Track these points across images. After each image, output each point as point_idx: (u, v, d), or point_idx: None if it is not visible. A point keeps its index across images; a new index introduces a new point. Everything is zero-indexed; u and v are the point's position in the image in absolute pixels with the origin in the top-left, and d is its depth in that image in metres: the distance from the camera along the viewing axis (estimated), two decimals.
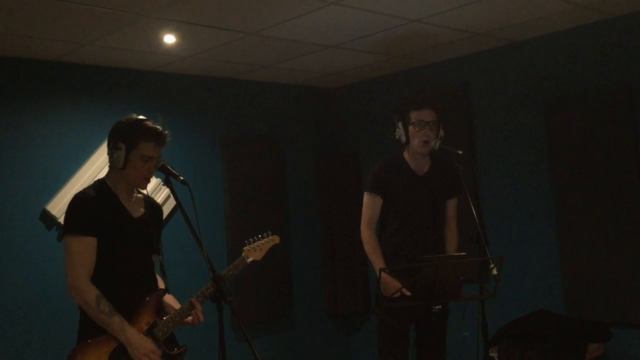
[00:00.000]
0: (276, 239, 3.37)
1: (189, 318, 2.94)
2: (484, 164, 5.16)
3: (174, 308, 2.98)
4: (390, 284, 3.65)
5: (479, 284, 3.51)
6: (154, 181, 4.92)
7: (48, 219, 4.54)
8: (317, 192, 6.16)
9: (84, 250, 2.83)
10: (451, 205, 4.06)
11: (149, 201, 3.12)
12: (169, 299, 3.05)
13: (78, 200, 2.89)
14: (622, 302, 4.39)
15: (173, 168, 2.91)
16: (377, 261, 3.86)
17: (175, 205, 4.08)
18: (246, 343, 2.57)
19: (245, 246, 3.26)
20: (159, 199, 4.89)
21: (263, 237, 3.33)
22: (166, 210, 4.97)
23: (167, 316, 2.94)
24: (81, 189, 3.00)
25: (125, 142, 2.88)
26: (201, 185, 5.14)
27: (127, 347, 2.79)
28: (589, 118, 4.56)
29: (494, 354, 4.36)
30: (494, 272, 3.34)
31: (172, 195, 2.87)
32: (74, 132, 4.71)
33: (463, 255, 3.51)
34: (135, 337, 2.79)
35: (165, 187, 2.91)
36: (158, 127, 2.95)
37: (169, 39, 4.36)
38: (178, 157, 4.94)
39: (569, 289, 4.66)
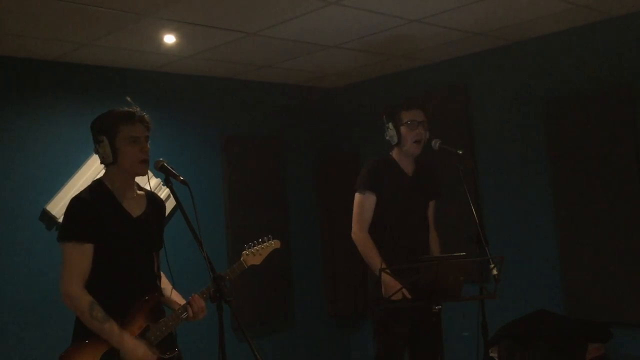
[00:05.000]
0: (277, 244, 3.30)
1: (185, 315, 2.91)
2: (484, 164, 5.16)
3: (179, 304, 2.97)
4: (392, 284, 3.59)
5: (479, 284, 3.51)
6: (153, 181, 4.91)
7: (48, 219, 4.54)
8: (317, 192, 6.16)
9: (79, 257, 2.80)
10: (431, 208, 4.10)
11: (150, 197, 3.07)
12: (175, 296, 3.05)
13: (74, 204, 2.84)
14: (622, 302, 4.39)
15: (173, 168, 2.89)
16: (376, 262, 3.76)
17: (175, 205, 4.07)
18: (246, 343, 2.56)
19: (245, 250, 3.22)
20: None
21: (263, 242, 3.26)
22: (166, 210, 4.97)
23: (161, 320, 2.91)
24: (81, 189, 2.95)
25: (104, 133, 2.84)
26: (201, 185, 5.13)
27: (120, 352, 2.76)
28: (589, 118, 4.56)
29: (494, 354, 4.36)
30: (494, 272, 3.35)
31: (172, 195, 2.84)
32: (74, 132, 4.70)
33: (463, 255, 3.51)
34: (128, 342, 2.77)
35: (165, 187, 2.87)
36: (130, 108, 2.91)
37: (169, 39, 4.36)
38: (178, 157, 4.94)
39: (569, 289, 4.66)
